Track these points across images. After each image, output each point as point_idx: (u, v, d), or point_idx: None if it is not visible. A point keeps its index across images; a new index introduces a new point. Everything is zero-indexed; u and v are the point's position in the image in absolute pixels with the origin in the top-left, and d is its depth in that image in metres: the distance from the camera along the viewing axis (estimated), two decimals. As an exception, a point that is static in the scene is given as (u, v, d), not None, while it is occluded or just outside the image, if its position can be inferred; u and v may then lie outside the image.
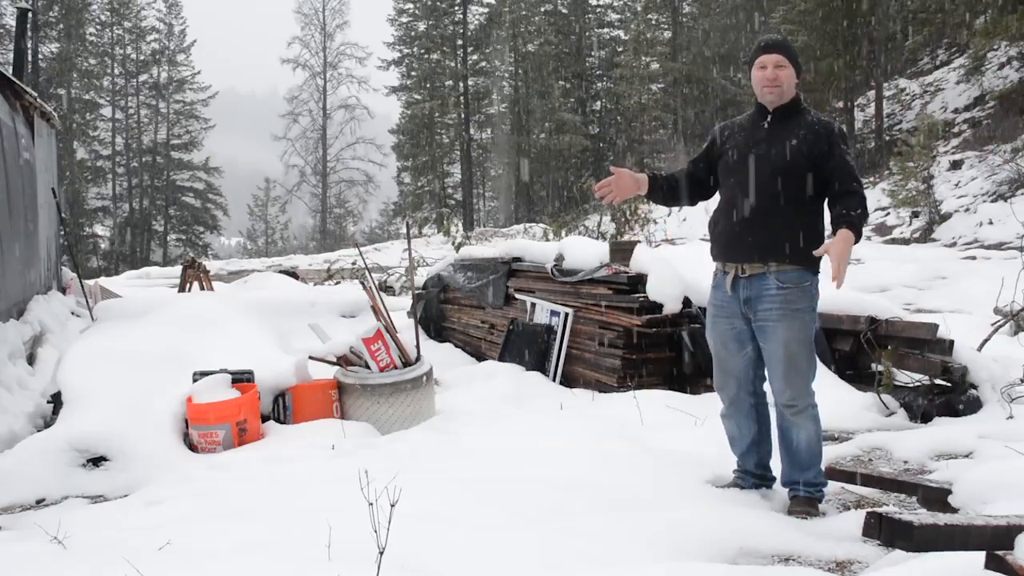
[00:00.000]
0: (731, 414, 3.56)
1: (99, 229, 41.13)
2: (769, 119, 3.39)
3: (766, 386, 3.54)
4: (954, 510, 2.65)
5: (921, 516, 1.98)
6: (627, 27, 39.43)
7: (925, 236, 15.39)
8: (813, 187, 3.30)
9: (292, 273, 12.97)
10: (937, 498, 2.85)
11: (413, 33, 42.56)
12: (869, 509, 2.16)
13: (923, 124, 16.19)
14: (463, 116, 41.66)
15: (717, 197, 3.58)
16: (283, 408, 5.10)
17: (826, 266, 3.17)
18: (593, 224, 18.70)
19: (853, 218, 3.16)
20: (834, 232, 3.19)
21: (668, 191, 3.61)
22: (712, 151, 3.55)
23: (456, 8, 42.10)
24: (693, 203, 3.69)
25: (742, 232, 3.33)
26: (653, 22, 37.85)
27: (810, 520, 3.24)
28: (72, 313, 8.48)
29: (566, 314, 6.29)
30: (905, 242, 15.52)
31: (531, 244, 7.53)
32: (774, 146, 3.33)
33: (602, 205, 18.66)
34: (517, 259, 7.33)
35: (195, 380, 4.85)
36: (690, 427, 4.59)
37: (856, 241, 3.14)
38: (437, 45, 41.84)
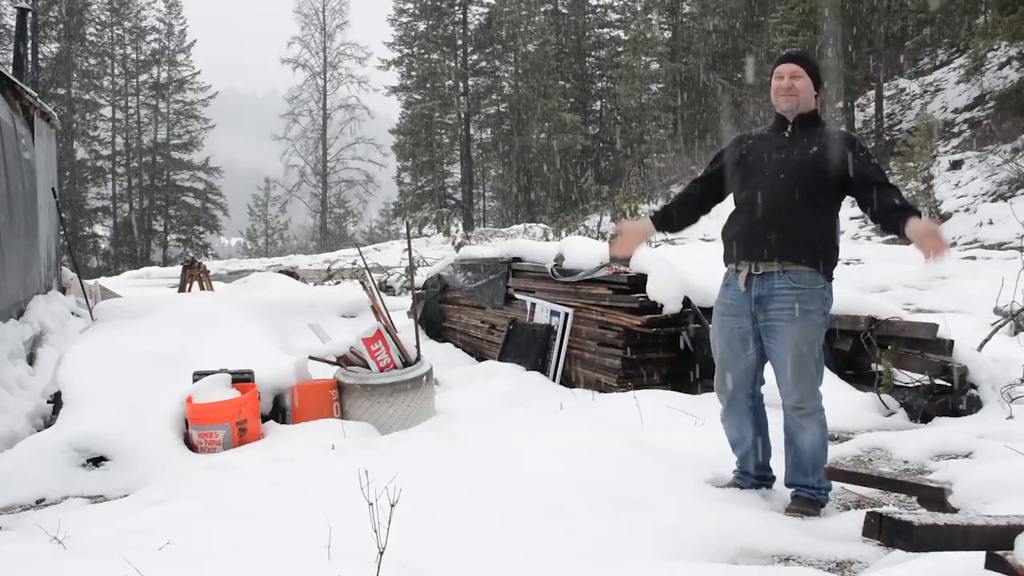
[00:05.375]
0: (729, 417, 3.57)
1: (99, 229, 41.12)
2: (790, 128, 3.43)
3: (764, 389, 3.55)
4: (954, 510, 2.65)
5: (921, 516, 1.98)
6: (627, 27, 39.39)
7: (925, 236, 15.36)
8: (831, 193, 3.34)
9: (292, 273, 12.96)
10: (937, 498, 2.85)
11: (413, 33, 42.52)
12: (869, 509, 2.16)
13: (923, 124, 16.19)
14: (463, 116, 41.63)
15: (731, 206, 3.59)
16: (283, 408, 5.10)
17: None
18: (593, 224, 18.73)
19: (909, 205, 3.20)
20: (900, 225, 3.13)
21: (675, 217, 3.68)
22: (728, 157, 3.56)
23: (456, 8, 42.07)
24: (704, 213, 3.70)
25: (760, 231, 3.34)
26: (653, 22, 37.80)
27: (810, 520, 3.24)
28: (72, 313, 8.48)
29: (566, 314, 6.29)
30: (905, 242, 15.50)
31: (531, 244, 7.52)
32: (795, 151, 3.36)
33: (602, 205, 18.71)
34: (517, 259, 7.33)
35: (195, 380, 4.85)
36: (690, 427, 4.59)
37: (919, 216, 3.14)
38: (437, 45, 41.80)
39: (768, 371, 3.49)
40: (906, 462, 4.02)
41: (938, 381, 4.89)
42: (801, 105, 3.40)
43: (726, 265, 3.54)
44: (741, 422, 3.53)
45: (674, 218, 3.69)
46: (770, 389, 3.52)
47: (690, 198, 3.68)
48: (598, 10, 44.52)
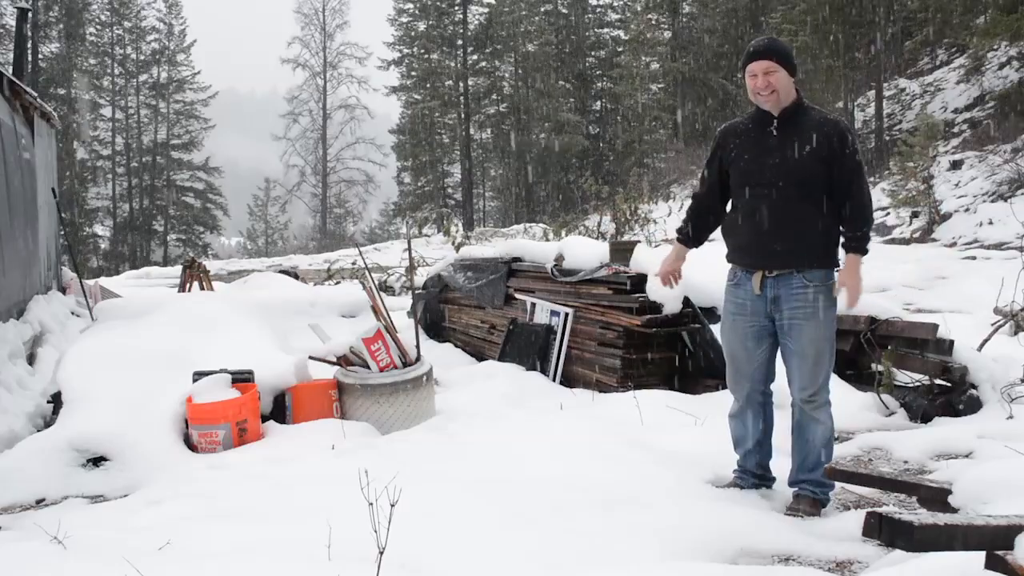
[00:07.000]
0: (741, 413, 3.57)
1: (99, 229, 41.12)
2: (776, 124, 3.36)
3: (773, 386, 3.56)
4: (954, 510, 2.64)
5: (921, 516, 1.98)
6: (627, 27, 39.42)
7: (925, 236, 15.39)
8: (829, 187, 3.32)
9: (292, 273, 12.95)
10: (937, 498, 2.85)
11: (413, 33, 42.53)
12: (869, 509, 2.16)
13: (923, 124, 16.19)
14: (463, 116, 41.65)
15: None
16: (283, 408, 5.10)
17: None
18: (593, 224, 18.68)
19: (859, 239, 3.32)
20: (845, 252, 3.33)
21: (698, 232, 3.69)
22: (722, 158, 3.52)
23: (456, 8, 42.08)
24: (721, 220, 3.68)
25: (768, 242, 3.34)
26: (653, 22, 37.81)
27: (810, 520, 3.24)
28: (72, 313, 8.48)
29: (566, 314, 6.29)
30: (905, 242, 15.51)
31: (531, 244, 7.52)
32: (787, 153, 3.31)
33: (602, 205, 18.67)
34: (517, 259, 7.33)
35: (195, 380, 4.85)
36: (690, 427, 4.59)
37: (864, 254, 3.33)
38: (437, 45, 41.81)
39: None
40: (906, 462, 4.02)
41: (938, 381, 4.89)
42: (782, 100, 3.33)
43: (732, 264, 3.53)
44: (751, 419, 3.54)
45: (697, 238, 3.71)
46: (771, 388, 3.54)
47: (705, 216, 3.65)
48: (598, 10, 44.54)
